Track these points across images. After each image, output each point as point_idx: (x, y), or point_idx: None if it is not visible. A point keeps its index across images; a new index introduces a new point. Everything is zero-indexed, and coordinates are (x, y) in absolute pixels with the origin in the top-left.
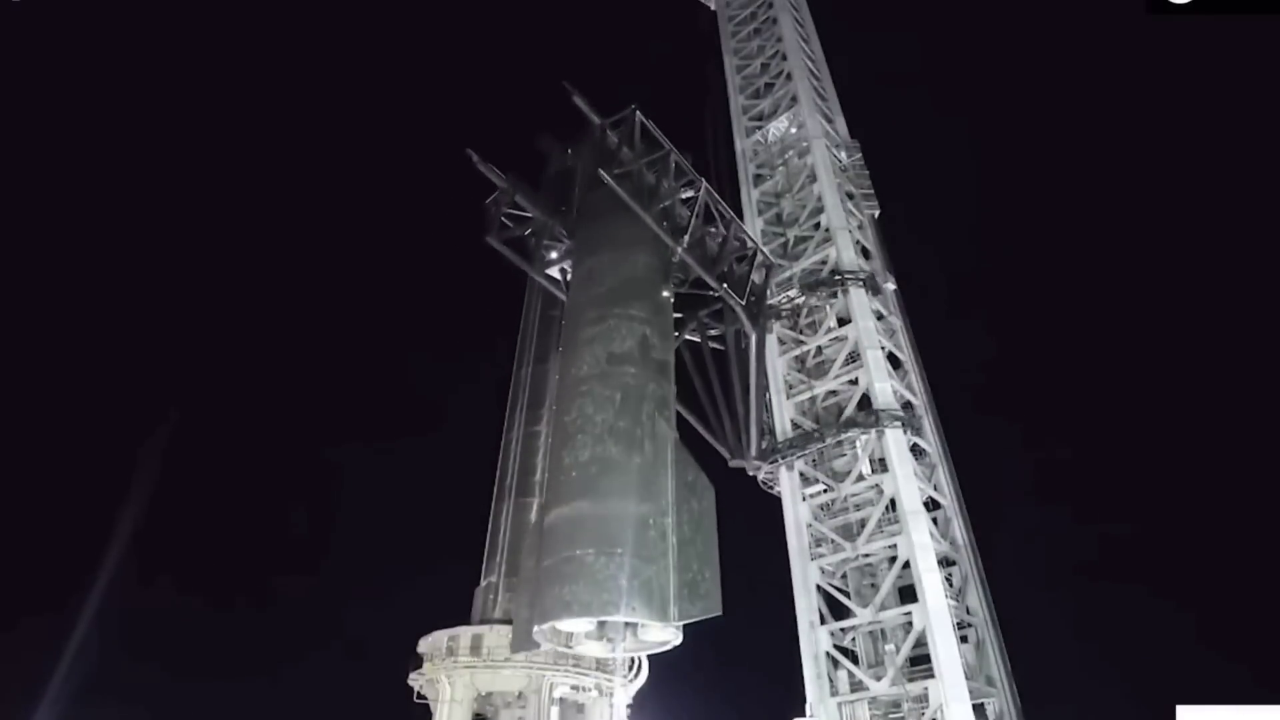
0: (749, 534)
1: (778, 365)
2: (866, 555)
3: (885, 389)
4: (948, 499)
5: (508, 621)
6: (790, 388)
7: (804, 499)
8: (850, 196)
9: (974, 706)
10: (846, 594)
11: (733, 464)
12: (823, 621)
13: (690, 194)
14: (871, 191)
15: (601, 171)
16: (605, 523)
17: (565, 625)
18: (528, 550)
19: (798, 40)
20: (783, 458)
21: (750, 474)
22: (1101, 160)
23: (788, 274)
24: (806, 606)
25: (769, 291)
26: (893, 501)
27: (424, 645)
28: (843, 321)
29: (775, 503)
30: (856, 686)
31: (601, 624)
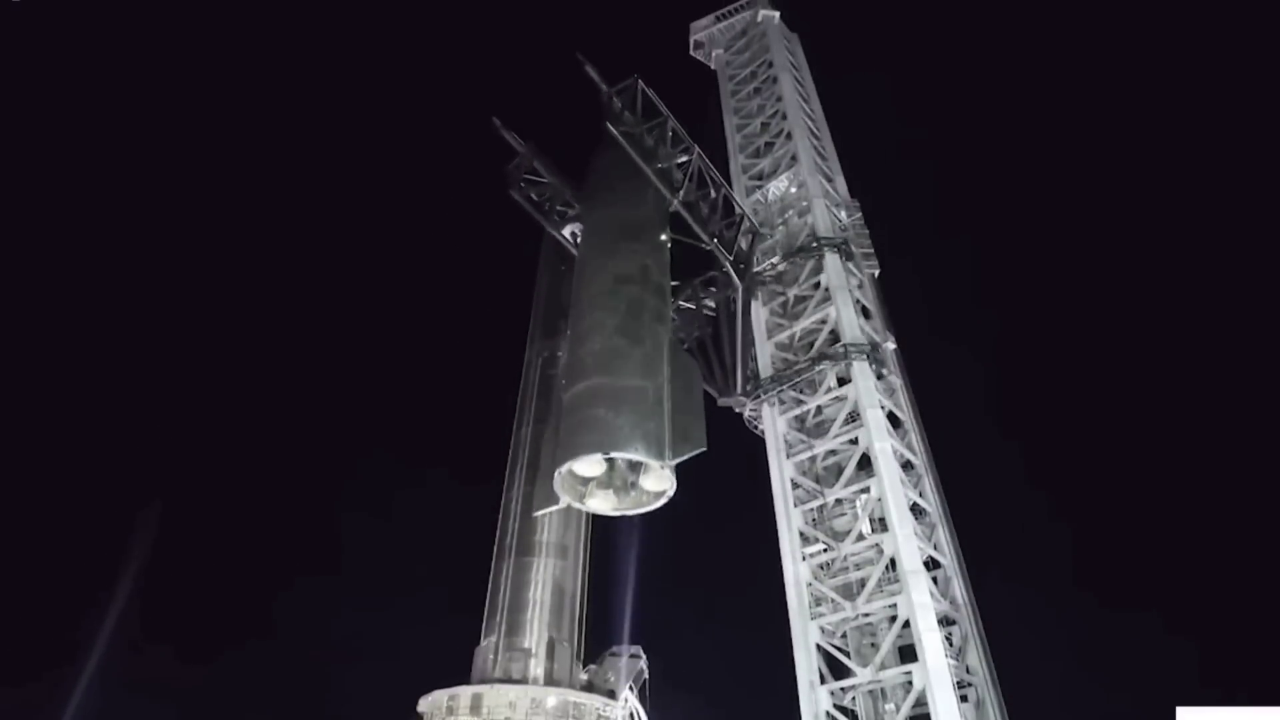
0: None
1: (761, 315)
2: (866, 614)
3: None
4: (948, 558)
5: (508, 680)
6: (790, 447)
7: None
8: (850, 256)
9: None
10: (846, 653)
11: (721, 402)
12: (823, 681)
13: (685, 159)
14: (871, 250)
15: (609, 126)
16: (615, 391)
17: (580, 466)
18: (549, 435)
19: (798, 100)
20: (765, 393)
21: (737, 410)
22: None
23: (770, 242)
24: (806, 666)
25: (754, 258)
26: (893, 561)
27: (424, 704)
28: (842, 381)
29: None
30: None
31: (610, 468)
